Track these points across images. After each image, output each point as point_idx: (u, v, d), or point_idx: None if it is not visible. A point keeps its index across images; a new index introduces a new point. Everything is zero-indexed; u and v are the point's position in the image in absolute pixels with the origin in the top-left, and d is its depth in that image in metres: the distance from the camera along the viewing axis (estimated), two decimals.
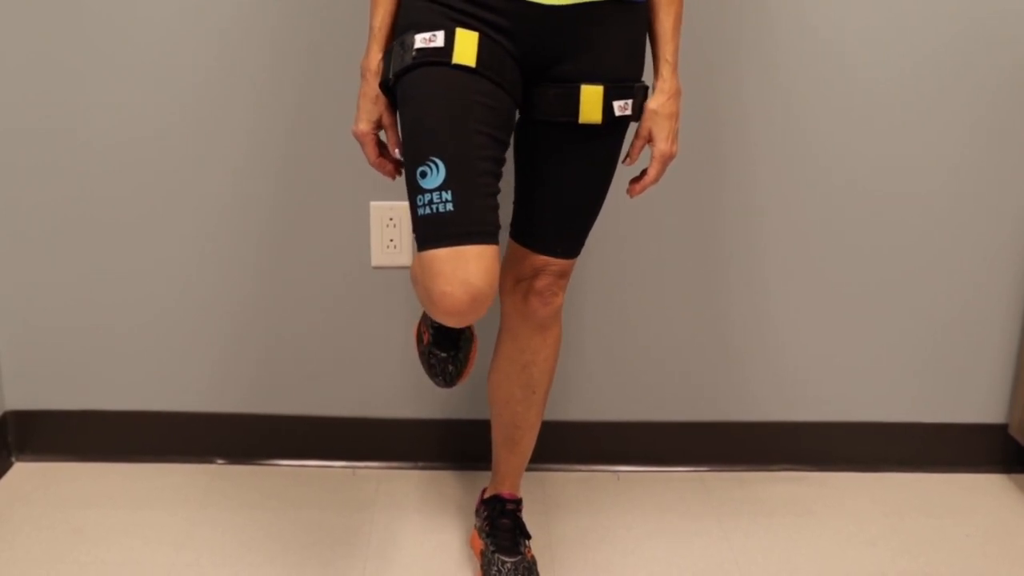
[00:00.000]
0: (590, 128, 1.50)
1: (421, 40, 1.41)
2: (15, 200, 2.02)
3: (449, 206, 1.37)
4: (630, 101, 1.51)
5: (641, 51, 1.55)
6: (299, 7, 1.91)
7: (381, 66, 1.49)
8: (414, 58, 1.41)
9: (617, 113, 1.49)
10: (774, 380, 2.17)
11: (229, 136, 1.99)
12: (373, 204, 2.03)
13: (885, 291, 2.12)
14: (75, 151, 1.99)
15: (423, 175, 1.38)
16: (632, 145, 1.58)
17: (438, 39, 1.40)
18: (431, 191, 1.38)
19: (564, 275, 1.65)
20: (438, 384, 1.73)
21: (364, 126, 1.52)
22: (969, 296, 2.13)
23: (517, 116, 1.54)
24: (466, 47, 1.40)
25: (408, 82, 1.44)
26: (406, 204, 1.90)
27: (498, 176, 1.45)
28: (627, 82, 1.51)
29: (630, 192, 1.61)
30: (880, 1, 1.94)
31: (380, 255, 2.06)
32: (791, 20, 1.95)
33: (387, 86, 1.48)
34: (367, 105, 1.52)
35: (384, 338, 2.12)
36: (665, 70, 1.54)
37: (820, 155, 2.03)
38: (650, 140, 1.56)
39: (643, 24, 1.53)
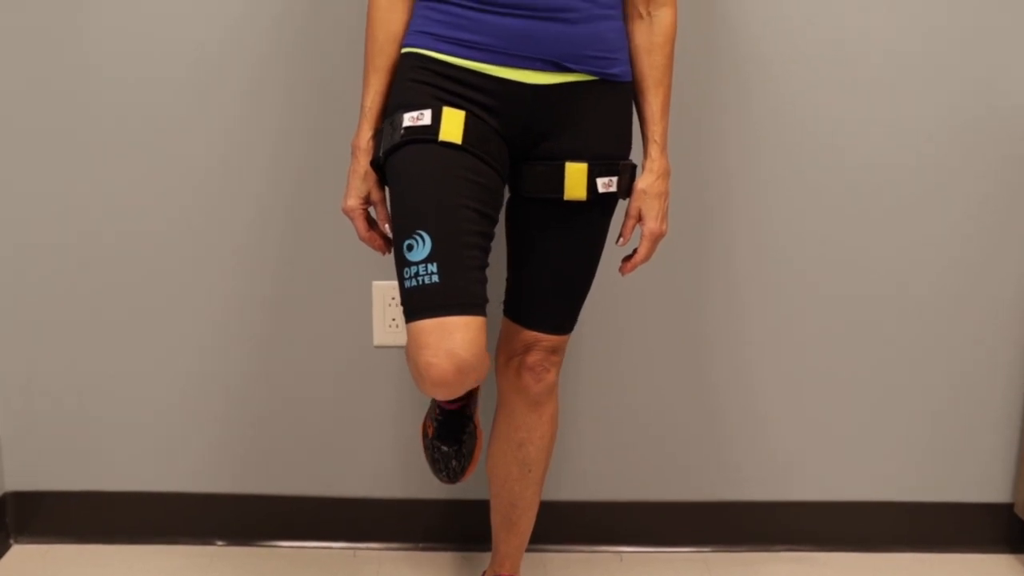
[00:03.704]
0: (576, 205, 1.53)
1: (409, 119, 1.46)
2: (16, 280, 2.04)
3: (435, 278, 1.39)
4: (615, 178, 1.53)
5: (628, 129, 1.58)
6: (301, 88, 1.95)
7: (371, 144, 1.53)
8: (402, 136, 1.46)
9: (601, 190, 1.52)
10: (775, 459, 2.16)
11: (231, 213, 2.02)
12: (375, 283, 2.05)
13: (886, 367, 2.12)
14: (76, 234, 2.02)
15: (409, 248, 1.41)
16: (623, 224, 1.60)
17: (425, 117, 1.45)
18: (417, 263, 1.40)
19: (556, 351, 1.66)
20: (442, 479, 1.74)
21: (352, 202, 1.56)
22: (970, 370, 2.12)
23: (507, 192, 1.57)
24: (452, 125, 1.45)
25: (397, 159, 1.48)
26: None
27: (486, 250, 1.47)
28: (612, 159, 1.54)
29: (622, 270, 1.64)
30: (865, 89, 1.98)
31: (382, 334, 2.08)
32: (779, 102, 1.99)
33: (378, 164, 1.52)
34: (356, 182, 1.56)
35: (385, 417, 2.12)
36: (654, 150, 1.57)
37: (812, 232, 2.05)
38: (640, 219, 1.58)
39: (630, 103, 1.57)
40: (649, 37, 1.55)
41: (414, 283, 1.41)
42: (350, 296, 2.06)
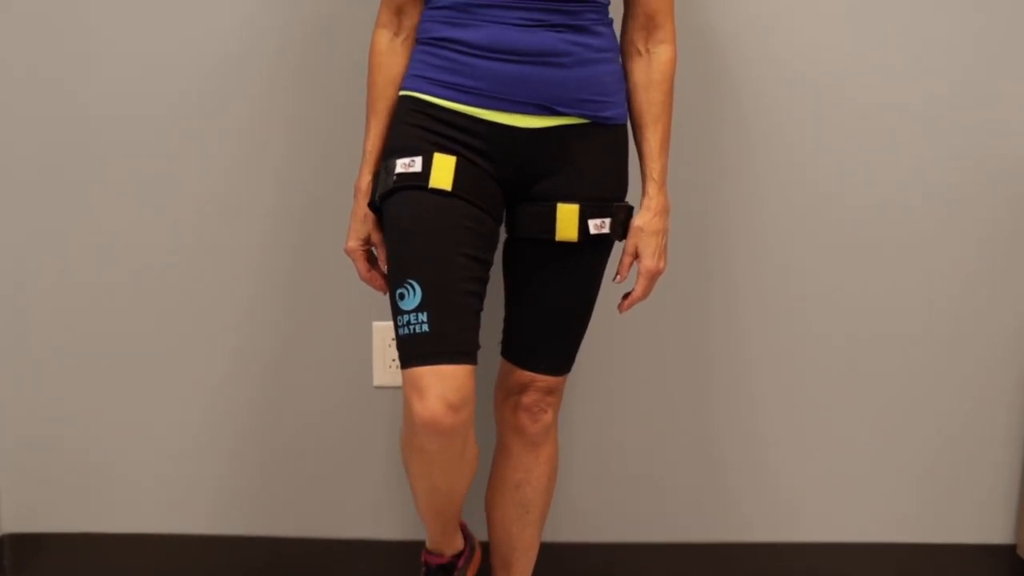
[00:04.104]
0: (569, 246, 1.54)
1: (401, 165, 1.48)
2: (15, 318, 2.05)
3: (425, 327, 1.43)
4: (607, 220, 1.54)
5: (623, 170, 1.59)
6: (302, 132, 1.97)
7: (370, 187, 1.56)
8: (395, 182, 1.48)
9: (593, 231, 1.53)
10: (776, 501, 2.15)
11: (234, 254, 2.03)
12: (375, 324, 2.05)
13: (887, 406, 2.11)
14: (78, 274, 2.03)
15: (401, 297, 1.45)
16: (620, 262, 1.61)
17: (416, 164, 1.47)
18: (408, 312, 1.44)
19: (553, 392, 1.66)
20: None
21: (352, 243, 1.60)
22: (971, 411, 2.12)
23: (503, 233, 1.59)
24: (443, 171, 1.47)
25: (390, 205, 1.50)
26: None
27: (479, 295, 1.49)
28: (605, 201, 1.55)
29: (620, 308, 1.65)
30: (869, 132, 1.99)
31: (382, 375, 2.08)
32: (780, 144, 2.00)
33: (375, 207, 1.55)
34: (356, 224, 1.59)
35: (386, 458, 2.11)
36: (651, 187, 1.58)
37: (813, 273, 2.06)
38: (637, 256, 1.59)
39: (624, 144, 1.58)
40: (648, 74, 1.57)
41: (406, 331, 1.45)
42: (350, 337, 2.07)
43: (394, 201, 1.50)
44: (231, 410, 2.10)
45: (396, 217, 1.50)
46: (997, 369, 2.11)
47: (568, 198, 1.52)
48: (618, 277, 1.62)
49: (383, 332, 2.06)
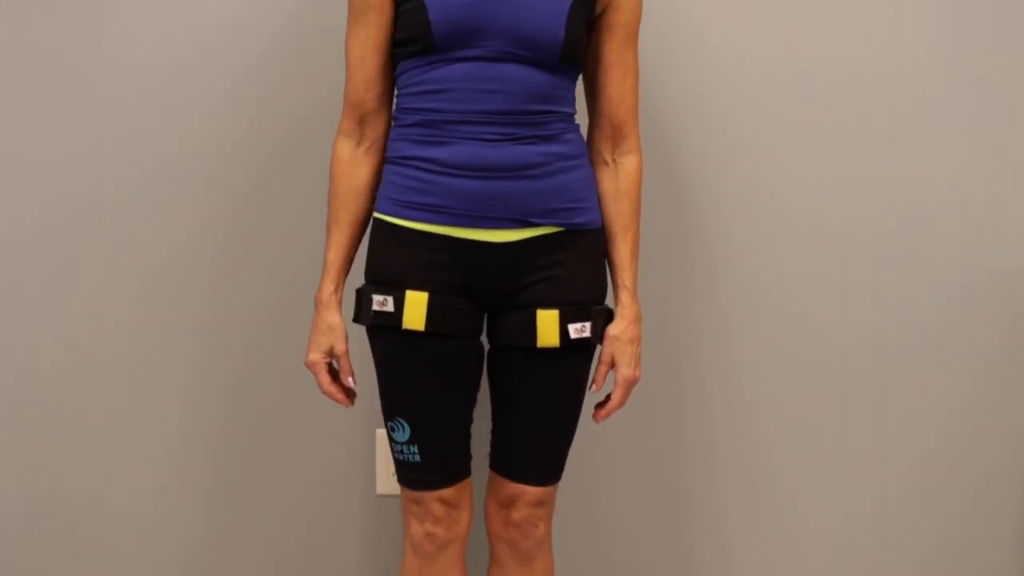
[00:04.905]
0: (550, 352, 1.54)
1: (376, 303, 1.51)
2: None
3: (416, 458, 1.54)
4: (588, 324, 1.54)
5: (600, 273, 1.59)
6: (293, 247, 1.99)
7: (332, 299, 1.56)
8: (372, 319, 1.52)
9: (573, 336, 1.53)
10: None
11: (232, 361, 2.05)
12: (379, 432, 2.06)
13: (887, 511, 2.08)
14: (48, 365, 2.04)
15: (392, 429, 1.54)
16: (596, 371, 1.61)
17: (388, 304, 1.50)
18: (400, 444, 1.54)
19: (543, 504, 1.64)
20: None
21: (314, 356, 1.59)
22: (969, 527, 2.08)
23: (486, 347, 1.60)
24: (415, 311, 1.49)
25: (372, 335, 1.56)
26: None
27: (467, 421, 1.57)
28: (584, 305, 1.55)
29: (595, 417, 1.64)
30: (865, 254, 2.00)
31: (385, 483, 2.08)
32: (757, 266, 2.02)
33: (356, 321, 1.57)
34: (317, 336, 1.58)
35: (388, 566, 2.09)
36: (624, 296, 1.58)
37: (795, 386, 2.06)
38: (613, 365, 1.59)
39: (599, 248, 1.59)
40: (615, 184, 1.58)
41: (400, 457, 1.57)
42: (353, 444, 2.07)
43: (374, 335, 1.56)
44: (234, 516, 2.09)
45: (378, 354, 1.57)
46: (998, 489, 2.06)
47: (547, 304, 1.52)
48: (594, 386, 1.62)
49: (386, 440, 2.00)
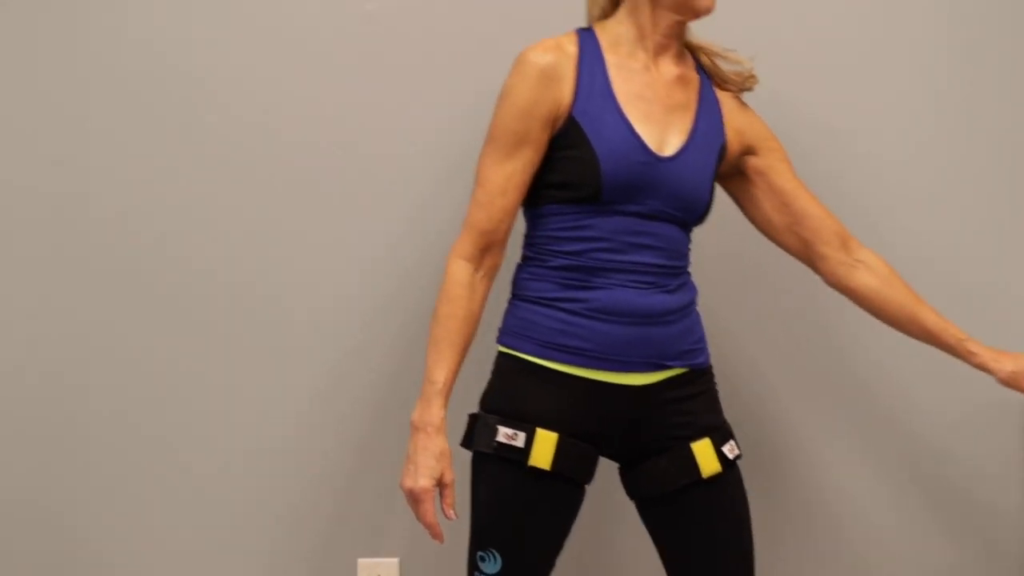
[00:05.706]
0: (713, 485, 1.54)
1: (504, 435, 1.49)
2: None
3: None
4: (733, 442, 1.57)
5: (718, 403, 1.62)
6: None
7: (444, 422, 1.52)
8: (494, 450, 1.50)
9: (730, 456, 1.56)
10: None
11: (230, 477, 1.97)
12: (361, 561, 1.97)
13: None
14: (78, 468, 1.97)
15: (482, 559, 1.51)
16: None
17: (519, 439, 1.49)
18: (487, 575, 1.51)
19: None
20: None
21: (426, 482, 1.49)
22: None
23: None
24: (544, 449, 1.49)
25: (484, 465, 1.53)
26: (395, 560, 1.91)
27: (552, 565, 1.56)
28: (722, 428, 1.58)
29: None
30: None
31: None
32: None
33: (467, 446, 1.55)
34: (430, 461, 1.50)
35: None
36: (972, 345, 1.63)
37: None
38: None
39: (713, 384, 1.63)
40: (876, 276, 1.65)
41: None
42: (334, 574, 1.97)
43: (488, 466, 1.53)
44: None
45: (487, 482, 1.53)
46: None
47: (694, 437, 1.55)
48: None
49: (368, 570, 1.97)
